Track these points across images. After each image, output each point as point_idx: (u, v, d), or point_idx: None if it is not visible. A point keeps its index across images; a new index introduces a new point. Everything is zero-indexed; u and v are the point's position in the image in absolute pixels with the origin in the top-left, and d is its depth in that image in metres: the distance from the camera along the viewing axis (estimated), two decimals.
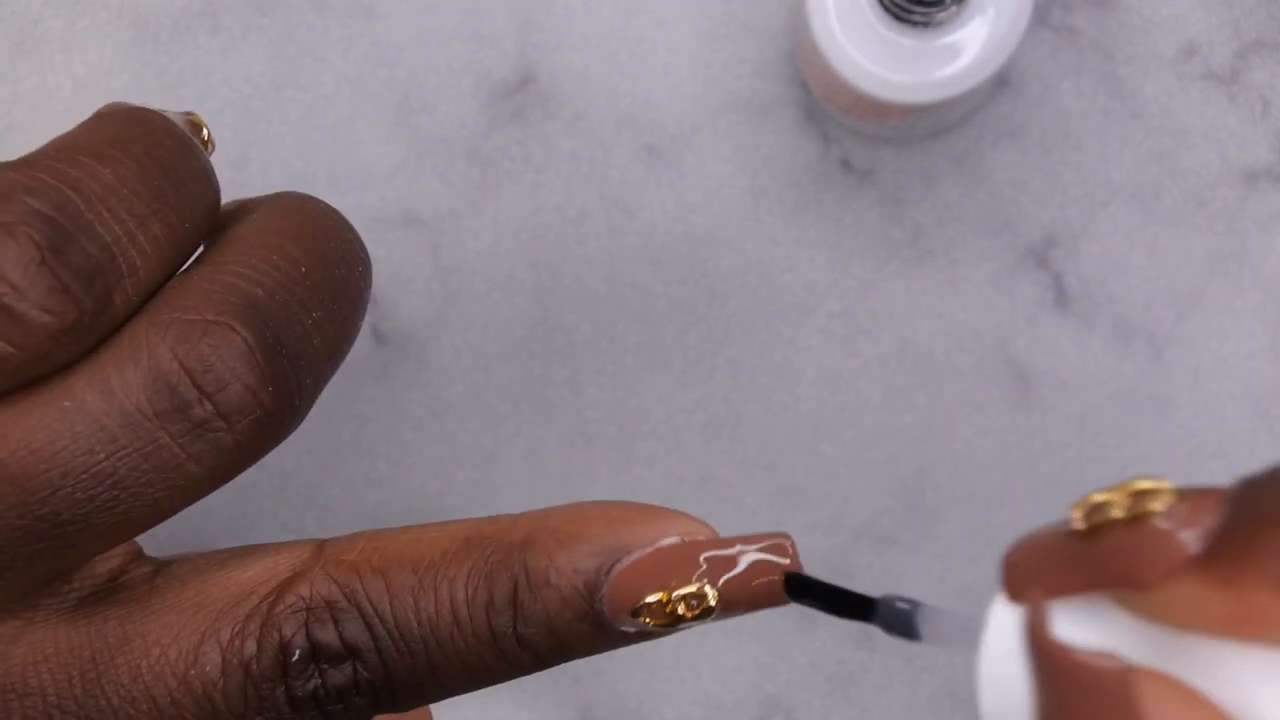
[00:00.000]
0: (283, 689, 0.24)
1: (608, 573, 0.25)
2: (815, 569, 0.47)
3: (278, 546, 0.26)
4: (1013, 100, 0.43)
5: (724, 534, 0.44)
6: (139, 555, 0.27)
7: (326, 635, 0.25)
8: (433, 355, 0.44)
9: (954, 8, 0.38)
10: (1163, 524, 0.18)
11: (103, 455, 0.23)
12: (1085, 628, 0.18)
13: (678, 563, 0.25)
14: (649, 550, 0.25)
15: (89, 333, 0.23)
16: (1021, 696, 0.19)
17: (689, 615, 0.24)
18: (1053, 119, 0.43)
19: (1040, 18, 0.43)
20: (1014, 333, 0.43)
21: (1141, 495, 0.18)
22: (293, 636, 0.24)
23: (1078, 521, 0.19)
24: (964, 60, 0.38)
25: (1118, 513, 0.18)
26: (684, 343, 0.44)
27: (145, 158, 0.24)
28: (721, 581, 0.24)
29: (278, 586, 0.25)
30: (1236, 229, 0.43)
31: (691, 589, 0.24)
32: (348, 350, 0.27)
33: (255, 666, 0.24)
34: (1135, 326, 0.43)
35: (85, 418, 0.23)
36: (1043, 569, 0.19)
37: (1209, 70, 0.43)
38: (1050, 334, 0.43)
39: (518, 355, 0.44)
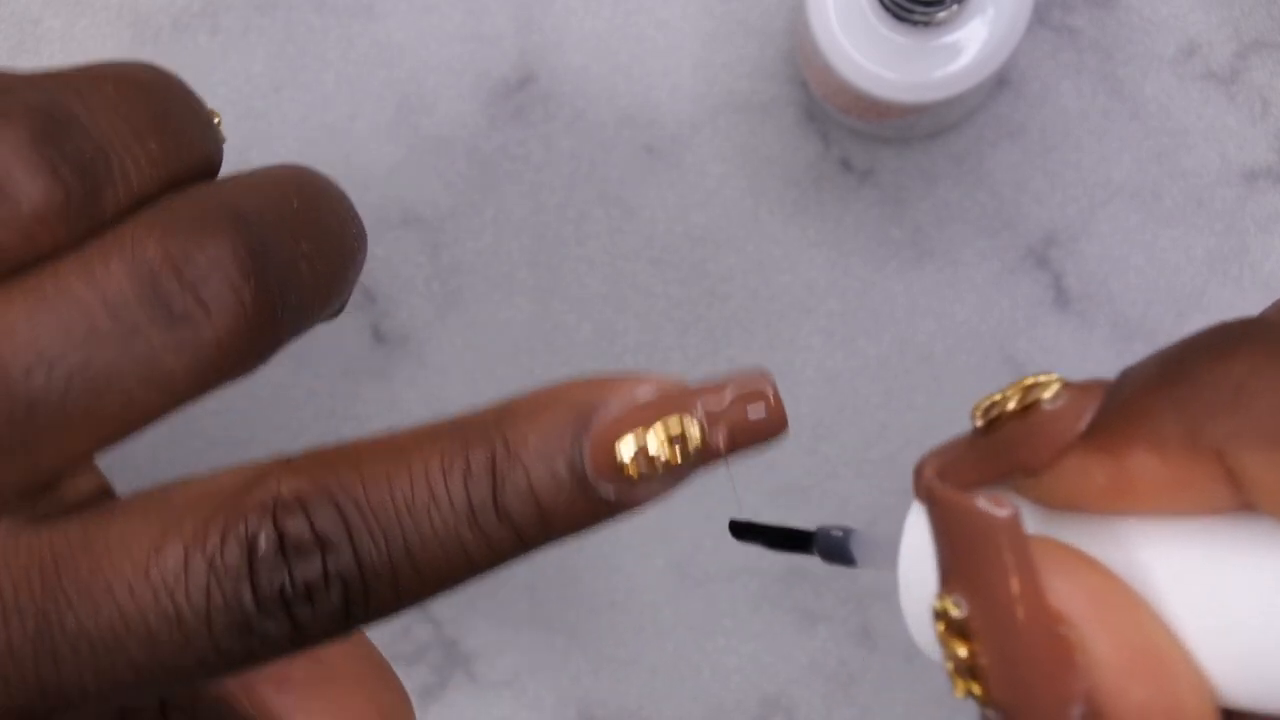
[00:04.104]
0: (248, 586, 0.23)
1: (587, 428, 0.24)
2: (816, 568, 0.47)
3: (243, 463, 0.25)
4: (1013, 100, 0.43)
5: (722, 533, 0.44)
6: (107, 489, 0.26)
7: (296, 525, 0.23)
8: (433, 355, 0.44)
9: (954, 7, 0.38)
10: (1050, 409, 0.19)
11: (80, 338, 0.23)
12: None
13: (658, 411, 0.24)
14: (628, 403, 0.24)
15: (76, 221, 0.23)
16: (931, 575, 0.19)
17: (675, 459, 0.24)
18: (1053, 119, 0.43)
19: (1040, 18, 0.43)
20: (1014, 333, 0.43)
21: (1032, 388, 0.19)
22: (259, 527, 0.23)
23: (977, 420, 0.20)
24: (964, 60, 0.38)
25: (1011, 406, 0.19)
26: (684, 343, 0.44)
27: (150, 87, 0.25)
28: (716, 414, 0.24)
29: (245, 483, 0.24)
30: (1236, 229, 0.43)
31: (675, 428, 0.24)
32: (335, 300, 0.27)
33: (219, 559, 0.23)
34: (1135, 326, 0.43)
35: (66, 300, 0.23)
36: (946, 468, 0.20)
37: (1209, 70, 0.43)
38: (1050, 334, 0.43)
39: (518, 355, 0.44)
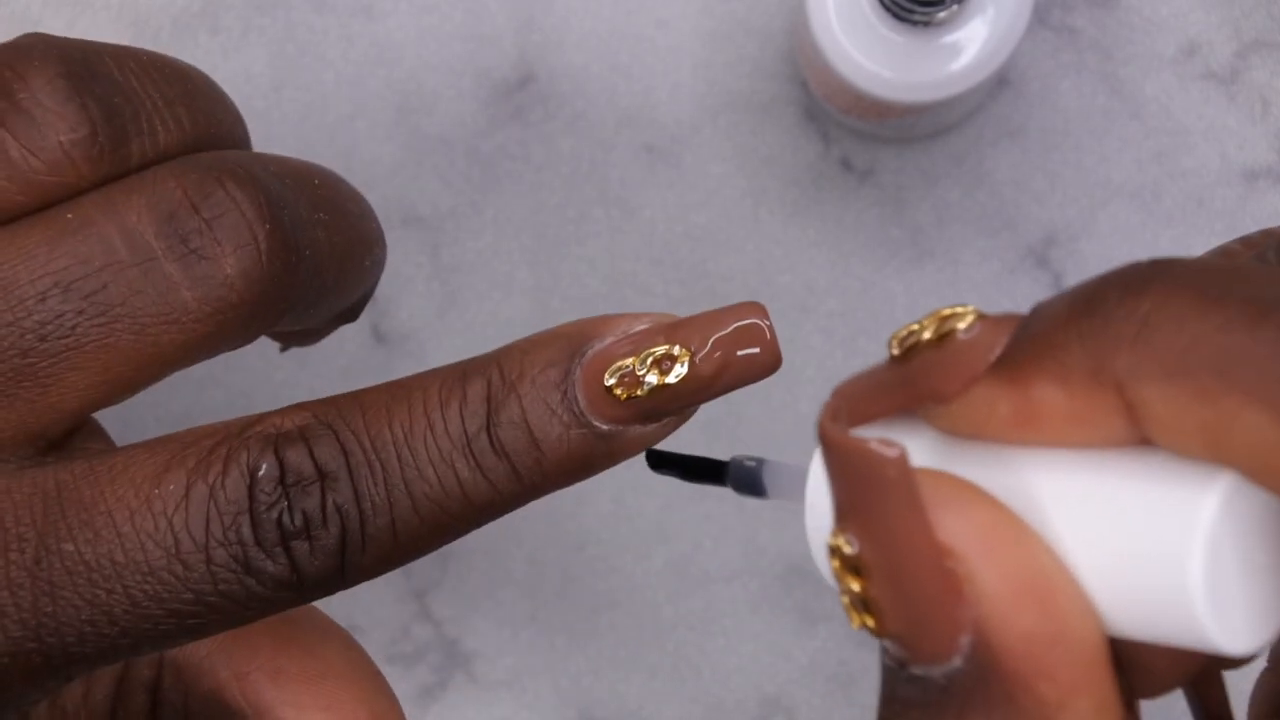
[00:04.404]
0: (247, 519, 0.23)
1: (580, 359, 0.24)
2: (816, 568, 0.47)
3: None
4: (1013, 100, 0.43)
5: (722, 533, 0.44)
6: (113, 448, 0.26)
7: (296, 456, 0.23)
8: (433, 355, 0.44)
9: (954, 7, 0.38)
10: (964, 339, 0.19)
11: (98, 265, 0.23)
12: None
13: (648, 338, 0.24)
14: (621, 336, 0.24)
15: (101, 161, 0.24)
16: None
17: (662, 380, 0.24)
18: (1053, 119, 0.43)
19: (1040, 18, 0.43)
20: None
21: (948, 318, 0.19)
22: (261, 457, 0.23)
23: (894, 349, 0.20)
24: (964, 60, 0.39)
25: (927, 335, 0.19)
26: None
27: (183, 70, 0.26)
28: (705, 344, 0.24)
29: (250, 421, 0.24)
30: (1236, 229, 0.43)
31: (660, 350, 0.24)
32: (351, 282, 0.27)
33: (221, 489, 0.23)
34: None
35: (85, 228, 0.24)
36: (858, 396, 0.20)
37: (1209, 70, 0.43)
38: None
39: None
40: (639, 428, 0.24)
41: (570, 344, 0.24)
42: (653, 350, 0.24)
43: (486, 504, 0.24)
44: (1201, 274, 0.17)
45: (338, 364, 0.44)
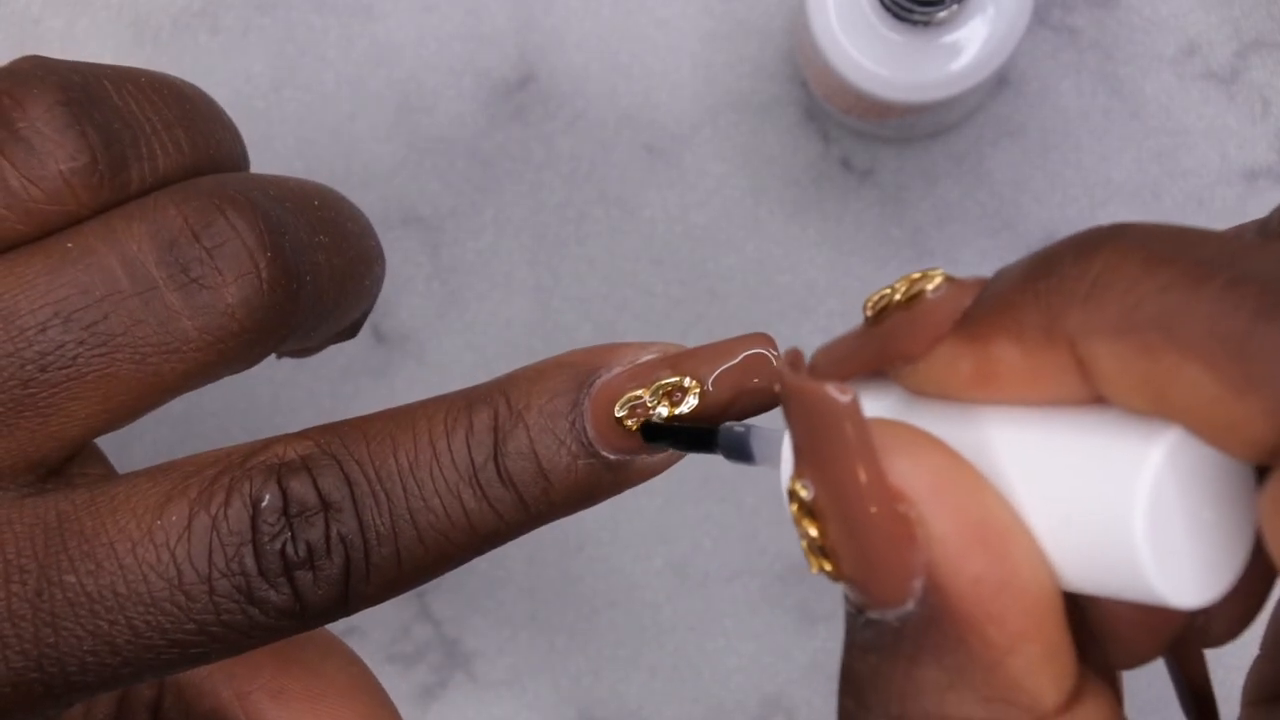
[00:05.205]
0: (250, 549, 0.23)
1: (589, 388, 0.24)
2: None
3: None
4: (1013, 100, 0.43)
5: (722, 533, 0.44)
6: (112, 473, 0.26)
7: (300, 486, 0.23)
8: (433, 355, 0.44)
9: (954, 7, 0.38)
10: (931, 299, 0.20)
11: (99, 294, 0.23)
12: (867, 405, 0.20)
13: (656, 369, 0.24)
14: (628, 366, 0.25)
15: (101, 188, 0.24)
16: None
17: (672, 410, 0.24)
18: (1053, 119, 0.43)
19: (1040, 17, 0.43)
20: None
21: (919, 280, 0.20)
22: (264, 488, 0.23)
23: (868, 311, 0.20)
24: (964, 59, 0.38)
25: (898, 297, 0.20)
26: (684, 342, 0.44)
27: (182, 90, 0.26)
28: (714, 375, 0.24)
29: (252, 450, 0.24)
30: None
31: (670, 380, 0.24)
32: (351, 301, 0.27)
33: (224, 519, 0.23)
34: None
35: (86, 258, 0.23)
36: (833, 357, 0.21)
37: (1209, 70, 0.43)
38: None
39: (518, 355, 0.44)
40: (646, 457, 0.25)
41: (577, 373, 0.24)
42: (663, 382, 0.24)
43: (491, 533, 0.24)
44: (1153, 237, 0.17)
45: (337, 363, 0.44)
